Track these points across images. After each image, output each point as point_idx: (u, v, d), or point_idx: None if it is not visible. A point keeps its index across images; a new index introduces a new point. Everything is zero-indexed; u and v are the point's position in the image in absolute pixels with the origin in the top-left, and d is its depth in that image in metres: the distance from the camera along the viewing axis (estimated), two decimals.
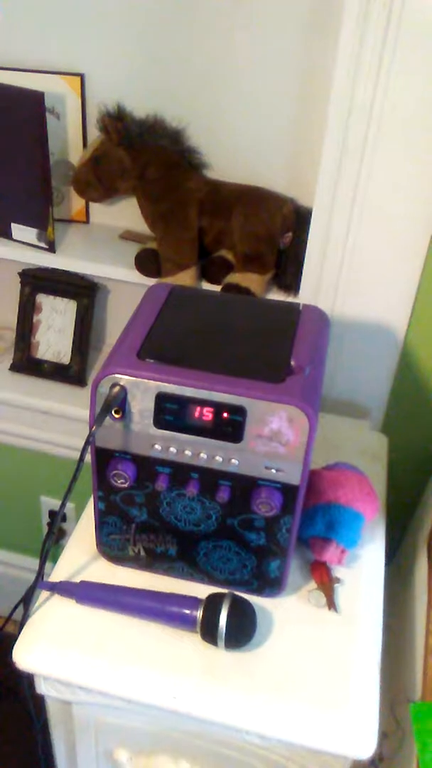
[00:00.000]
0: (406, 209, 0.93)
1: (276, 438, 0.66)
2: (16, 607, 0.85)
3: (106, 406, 0.67)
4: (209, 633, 0.72)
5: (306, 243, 1.00)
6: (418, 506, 1.16)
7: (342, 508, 0.81)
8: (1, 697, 1.47)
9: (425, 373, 1.08)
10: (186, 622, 0.73)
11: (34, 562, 1.53)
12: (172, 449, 0.69)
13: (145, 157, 1.04)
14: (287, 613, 0.77)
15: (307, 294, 1.03)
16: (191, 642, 0.73)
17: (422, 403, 1.10)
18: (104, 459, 0.72)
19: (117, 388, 0.67)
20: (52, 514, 1.44)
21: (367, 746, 0.67)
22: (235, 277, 1.05)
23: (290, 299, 1.06)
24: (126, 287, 1.18)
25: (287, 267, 1.06)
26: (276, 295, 1.08)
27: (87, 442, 0.68)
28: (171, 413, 0.67)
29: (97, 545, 0.81)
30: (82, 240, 1.17)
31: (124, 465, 0.71)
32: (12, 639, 0.74)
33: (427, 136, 0.88)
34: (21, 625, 0.75)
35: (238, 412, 0.66)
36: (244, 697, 0.69)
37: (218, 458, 0.69)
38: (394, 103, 0.87)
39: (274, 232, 1.05)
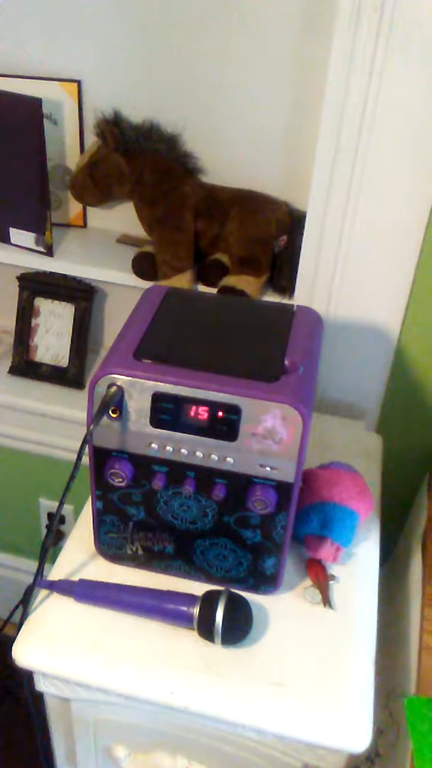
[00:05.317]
0: (398, 211, 0.94)
1: (270, 436, 0.67)
2: (15, 608, 0.85)
3: (103, 406, 0.68)
4: (206, 629, 0.73)
5: (301, 246, 1.01)
6: (413, 506, 1.16)
7: (337, 507, 0.82)
8: (2, 698, 1.47)
9: (420, 373, 1.09)
10: (183, 619, 0.74)
11: (33, 565, 1.54)
12: (169, 448, 0.70)
13: (141, 162, 1.06)
14: (283, 609, 0.78)
15: (302, 296, 1.04)
16: (188, 639, 0.74)
17: (417, 404, 1.11)
18: (102, 458, 0.73)
19: (114, 388, 0.68)
20: (51, 516, 1.45)
21: (361, 740, 0.68)
22: (230, 280, 1.06)
23: (285, 301, 1.07)
24: (123, 291, 1.19)
25: (282, 270, 1.07)
26: (271, 298, 1.09)
27: (85, 441, 0.69)
28: (167, 412, 0.68)
29: (95, 544, 0.81)
30: (80, 244, 1.19)
31: (121, 464, 0.72)
32: (11, 641, 0.74)
33: (419, 139, 0.89)
34: (20, 623, 0.76)
35: (233, 410, 0.67)
36: (241, 693, 0.70)
37: (214, 457, 0.70)
38: (386, 107, 0.88)
39: (269, 236, 1.06)
